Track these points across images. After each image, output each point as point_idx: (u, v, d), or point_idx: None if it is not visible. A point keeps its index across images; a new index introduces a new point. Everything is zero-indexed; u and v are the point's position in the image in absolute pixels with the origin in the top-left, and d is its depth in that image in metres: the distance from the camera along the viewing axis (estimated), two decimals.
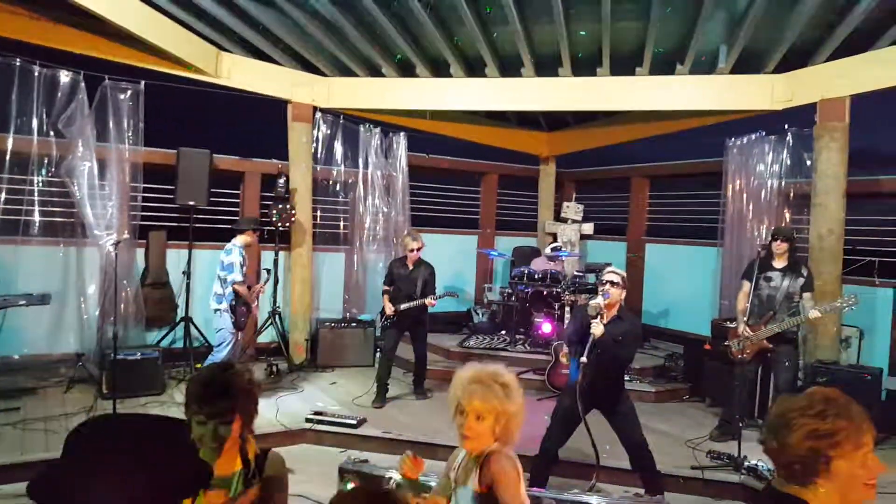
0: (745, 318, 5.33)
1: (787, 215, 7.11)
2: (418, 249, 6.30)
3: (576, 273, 8.33)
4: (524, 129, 9.69)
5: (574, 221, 9.64)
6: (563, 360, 6.52)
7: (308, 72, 7.50)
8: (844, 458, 1.52)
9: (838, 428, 1.52)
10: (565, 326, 6.16)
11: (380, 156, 8.43)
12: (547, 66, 7.17)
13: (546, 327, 7.59)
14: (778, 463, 1.60)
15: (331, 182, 8.19)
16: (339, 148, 8.08)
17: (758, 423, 5.63)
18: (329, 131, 7.97)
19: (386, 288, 6.51)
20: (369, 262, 8.40)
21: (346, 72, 7.55)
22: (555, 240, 9.43)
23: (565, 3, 5.79)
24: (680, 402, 6.72)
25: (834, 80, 6.12)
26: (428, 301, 6.21)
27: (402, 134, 8.53)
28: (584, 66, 7.08)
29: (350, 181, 8.30)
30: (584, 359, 3.97)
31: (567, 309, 7.51)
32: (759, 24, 5.74)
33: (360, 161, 8.27)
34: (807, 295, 5.19)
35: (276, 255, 7.44)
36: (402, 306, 6.21)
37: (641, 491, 4.25)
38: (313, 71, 7.52)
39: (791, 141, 6.96)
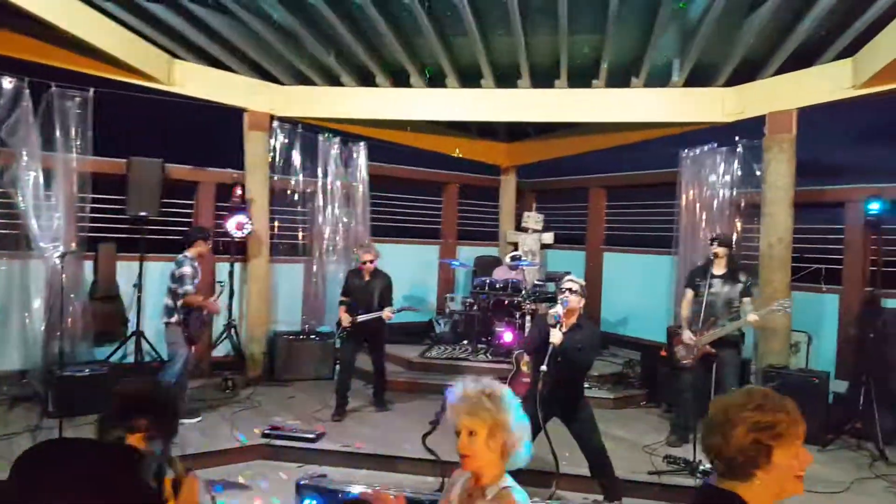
0: (689, 325, 5.49)
1: (739, 224, 7.30)
2: (371, 261, 6.21)
3: (536, 282, 8.39)
4: (485, 140, 9.75)
5: (534, 231, 9.72)
6: (524, 368, 6.52)
7: (265, 80, 7.41)
8: (783, 448, 1.60)
9: (778, 419, 1.61)
10: (525, 335, 6.18)
11: (339, 165, 8.35)
12: (506, 78, 7.25)
13: (507, 336, 7.61)
14: (720, 459, 1.65)
15: (289, 192, 8.06)
16: (297, 157, 7.97)
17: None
18: (287, 140, 7.86)
19: (343, 299, 6.40)
20: (329, 273, 8.28)
21: (304, 80, 7.49)
22: (516, 249, 9.49)
23: (523, 16, 5.87)
24: (637, 407, 6.81)
25: (781, 94, 6.34)
26: (385, 315, 6.15)
27: (362, 143, 8.47)
28: (543, 78, 7.18)
29: (309, 191, 8.20)
30: (544, 367, 4.00)
31: (528, 318, 7.55)
32: (711, 39, 5.92)
33: (319, 170, 8.17)
34: (746, 300, 5.37)
35: (232, 266, 7.28)
36: (360, 318, 6.12)
37: (600, 497, 4.28)
38: (270, 79, 7.43)
39: (742, 152, 7.15)
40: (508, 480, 2.07)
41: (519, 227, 9.93)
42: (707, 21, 5.56)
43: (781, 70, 6.30)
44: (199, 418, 5.78)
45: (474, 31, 6.07)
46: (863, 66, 5.53)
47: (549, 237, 9.77)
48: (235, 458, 5.18)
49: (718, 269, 5.50)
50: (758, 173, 6.77)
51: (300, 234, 8.30)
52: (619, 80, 7.06)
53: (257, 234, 7.36)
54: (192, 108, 7.12)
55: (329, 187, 8.26)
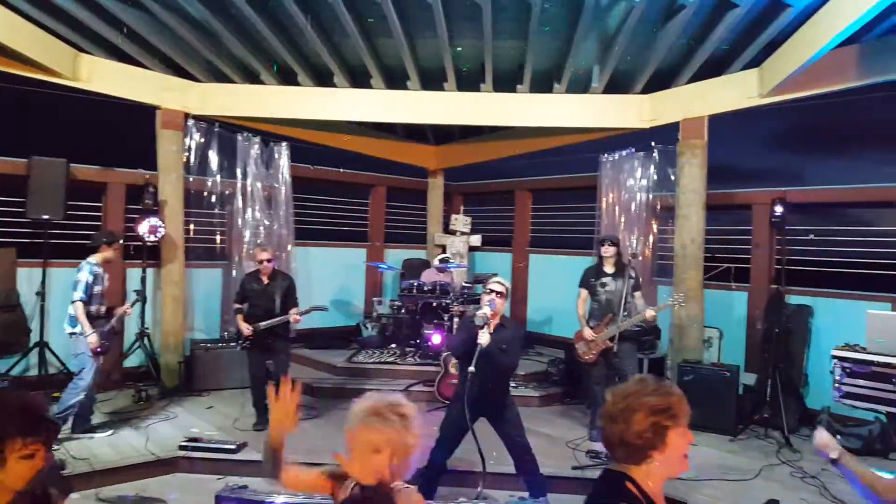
0: (587, 322, 5.73)
1: (655, 226, 7.60)
2: (269, 260, 5.84)
3: (464, 284, 8.43)
4: (412, 142, 9.73)
5: (462, 233, 9.78)
6: (453, 370, 6.55)
7: (180, 77, 7.10)
8: (675, 428, 1.75)
9: (671, 402, 1.76)
10: (452, 337, 6.19)
11: (260, 166, 8.08)
12: (433, 80, 7.25)
13: (436, 338, 7.60)
14: (620, 444, 1.76)
15: (205, 193, 7.74)
16: (214, 157, 7.65)
17: None
18: (203, 139, 7.54)
19: (238, 306, 5.96)
20: None
21: (222, 78, 7.22)
22: (444, 252, 9.52)
23: (448, 20, 5.89)
24: (562, 404, 6.96)
25: (694, 101, 6.63)
26: (293, 318, 5.81)
27: (284, 144, 8.24)
28: (468, 82, 7.23)
29: (227, 193, 7.90)
30: (471, 368, 4.02)
31: (456, 320, 7.57)
32: (628, 48, 6.12)
33: (239, 171, 7.88)
34: (637, 294, 5.64)
35: (144, 272, 6.94)
36: (262, 325, 5.74)
37: (526, 494, 4.33)
38: (186, 76, 7.12)
39: (657, 157, 7.45)
40: (399, 483, 2.04)
41: (447, 230, 9.97)
42: (624, 30, 5.75)
43: (694, 79, 6.59)
44: (109, 432, 5.45)
45: (399, 32, 6.04)
46: (768, 76, 5.86)
47: (476, 239, 9.87)
48: (150, 473, 4.95)
49: (609, 267, 5.78)
50: (672, 177, 7.06)
51: (218, 238, 8.00)
52: (543, 85, 7.20)
53: (171, 237, 7.01)
54: (100, 106, 6.73)
55: (249, 189, 7.98)
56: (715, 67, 6.39)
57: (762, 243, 6.97)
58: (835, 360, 4.18)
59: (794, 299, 6.53)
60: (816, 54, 4.82)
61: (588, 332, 5.70)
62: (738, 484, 4.77)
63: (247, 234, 8.01)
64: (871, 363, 4.00)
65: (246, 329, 5.73)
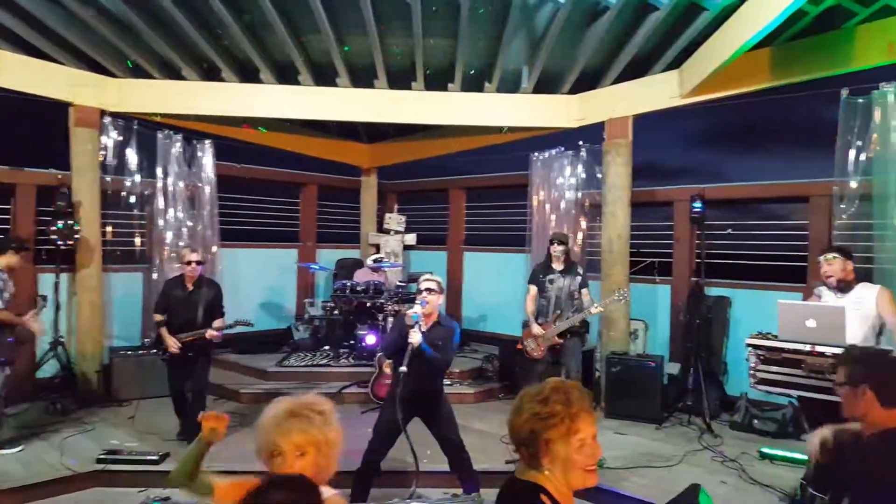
0: (536, 319, 5.80)
1: (584, 223, 7.78)
2: (198, 263, 5.41)
3: (398, 283, 8.39)
4: (344, 140, 9.60)
5: (397, 232, 9.73)
6: (387, 370, 6.47)
7: (95, 72, 6.74)
8: (559, 441, 1.67)
9: (554, 412, 1.67)
10: (384, 337, 6.14)
11: (182, 165, 7.73)
12: (363, 78, 7.17)
13: (370, 339, 7.54)
14: (513, 445, 1.74)
15: (124, 194, 7.36)
16: (133, 156, 7.28)
17: None
18: (121, 138, 7.16)
19: (160, 317, 5.44)
20: None
21: (141, 73, 6.92)
22: (378, 251, 9.45)
23: (377, 17, 5.84)
24: (497, 400, 7.03)
25: (618, 102, 6.82)
26: (209, 334, 5.31)
27: (207, 141, 7.93)
28: (400, 80, 7.19)
29: (147, 193, 7.55)
30: (403, 368, 3.98)
31: (391, 319, 7.52)
32: (555, 49, 6.25)
33: (159, 170, 7.53)
34: (584, 291, 5.78)
35: (58, 277, 6.55)
36: (185, 338, 5.31)
37: (460, 491, 4.34)
38: (102, 71, 6.78)
39: (585, 156, 7.62)
40: (326, 491, 1.98)
41: (381, 229, 9.90)
42: (551, 31, 5.86)
43: (619, 80, 6.78)
44: (19, 447, 5.13)
45: (327, 28, 5.95)
46: (687, 77, 6.09)
47: (411, 238, 9.84)
48: (66, 489, 4.68)
49: (558, 265, 5.87)
50: (599, 175, 7.24)
51: (138, 241, 7.64)
52: (474, 84, 7.25)
53: (87, 240, 6.65)
54: (8, 103, 6.29)
55: (171, 189, 7.64)
56: (638, 69, 6.59)
57: (683, 238, 7.25)
58: (749, 348, 4.37)
59: (713, 291, 6.83)
60: (731, 56, 5.04)
61: (537, 329, 5.77)
62: (664, 470, 4.95)
63: (169, 235, 7.66)
64: (782, 350, 4.20)
65: (174, 344, 5.28)
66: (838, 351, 3.93)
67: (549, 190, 8.00)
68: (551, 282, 5.85)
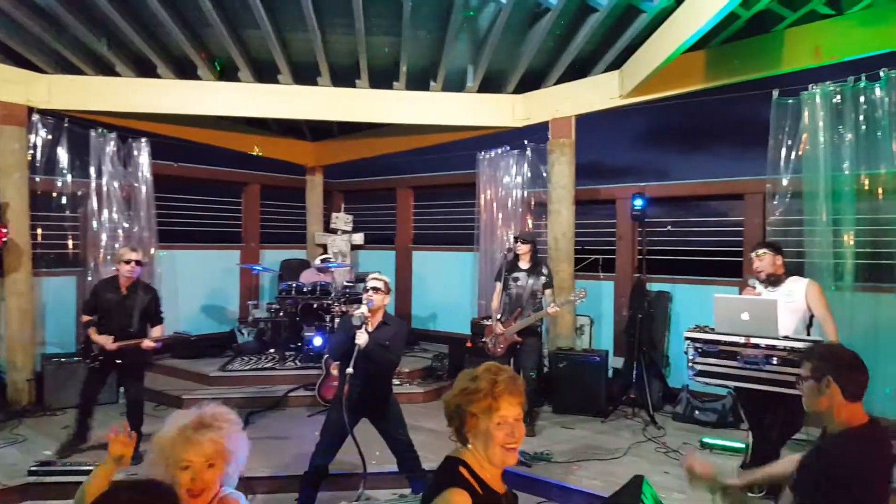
0: (499, 316, 5.79)
1: (530, 221, 7.88)
2: (138, 263, 5.07)
3: (346, 283, 8.30)
4: (288, 138, 9.43)
5: (344, 232, 9.63)
6: (334, 372, 6.41)
7: (21, 68, 6.41)
8: (481, 416, 1.81)
9: (479, 388, 1.82)
10: (331, 339, 6.06)
11: (117, 164, 7.42)
12: (305, 75, 7.05)
13: (317, 341, 7.44)
14: (446, 419, 1.90)
15: (55, 195, 7.02)
16: (64, 155, 6.96)
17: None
18: (51, 136, 6.83)
19: (88, 318, 5.12)
20: None
21: (71, 69, 6.62)
22: (325, 251, 9.32)
23: (319, 14, 5.75)
24: None
25: (562, 102, 6.93)
26: (145, 344, 5.02)
27: (143, 140, 7.64)
28: (344, 77, 7.10)
29: (80, 193, 7.22)
30: (350, 369, 3.93)
31: (338, 320, 7.43)
32: (498, 48, 6.29)
33: (93, 170, 7.21)
34: (547, 291, 5.82)
35: None
36: (122, 344, 4.98)
37: (408, 491, 4.32)
38: (29, 67, 6.45)
39: (530, 155, 7.72)
40: (225, 489, 2.00)
41: (328, 229, 9.77)
42: (494, 31, 5.89)
43: (562, 80, 6.88)
44: None
45: (267, 24, 5.82)
46: (627, 78, 6.23)
47: (359, 238, 9.75)
48: None
49: (524, 263, 5.90)
50: (544, 174, 7.34)
51: (70, 243, 7.29)
52: (419, 83, 7.23)
53: (15, 243, 6.32)
54: None
55: (105, 189, 7.33)
56: (581, 69, 6.70)
57: (625, 235, 7.43)
58: (687, 341, 4.51)
59: (654, 286, 7.01)
60: (668, 58, 5.17)
61: (498, 327, 5.78)
62: (609, 463, 5.05)
63: (103, 237, 7.35)
64: (719, 342, 4.35)
65: (111, 344, 4.90)
66: (772, 342, 4.11)
67: (496, 188, 8.06)
68: (515, 280, 5.86)
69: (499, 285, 5.96)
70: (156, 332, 5.20)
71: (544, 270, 5.89)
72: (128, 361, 5.07)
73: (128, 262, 5.03)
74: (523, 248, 5.87)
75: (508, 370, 1.90)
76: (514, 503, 1.97)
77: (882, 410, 5.36)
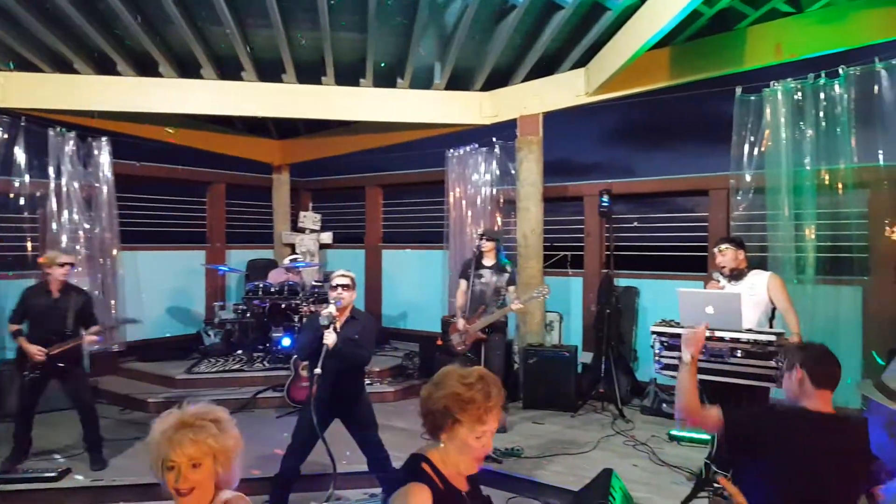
0: (464, 313, 5.81)
1: (499, 219, 7.90)
2: (71, 265, 5.00)
3: (314, 283, 8.21)
4: (253, 137, 9.29)
5: (312, 231, 9.53)
6: (303, 373, 6.36)
7: None
8: (465, 425, 1.83)
9: (474, 399, 1.83)
10: (298, 339, 5.98)
11: (77, 164, 7.21)
12: (270, 71, 6.95)
13: (286, 341, 7.36)
14: (422, 412, 1.90)
15: (12, 196, 6.80)
16: (21, 155, 6.74)
17: None
18: (7, 135, 6.60)
19: (15, 327, 4.90)
20: None
21: (28, 66, 6.42)
22: (293, 251, 9.21)
23: (283, 9, 5.67)
24: (417, 397, 6.98)
25: (529, 99, 6.95)
26: (88, 339, 4.95)
27: (104, 139, 7.44)
28: (309, 74, 7.01)
29: (39, 194, 7.01)
30: (317, 370, 3.88)
31: (306, 321, 7.35)
32: (465, 46, 6.28)
33: (51, 170, 7.01)
34: (511, 288, 5.84)
35: None
36: (57, 350, 4.81)
37: (379, 490, 4.30)
38: None
39: (499, 152, 7.74)
40: (226, 493, 1.96)
41: (295, 228, 9.66)
42: (461, 28, 5.88)
43: (529, 77, 6.90)
44: None
45: (230, 20, 5.72)
46: (593, 76, 6.28)
47: (327, 237, 9.66)
48: None
49: (488, 260, 5.90)
50: (513, 171, 7.36)
51: (29, 245, 7.06)
52: (386, 80, 7.18)
53: None
54: None
55: (64, 189, 7.12)
56: (547, 67, 6.73)
57: (593, 232, 7.50)
58: (653, 336, 4.56)
59: (622, 282, 7.10)
60: (633, 56, 5.22)
61: (462, 324, 5.78)
62: (578, 457, 5.09)
63: (64, 239, 7.15)
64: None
65: (39, 353, 4.72)
66: (736, 335, 4.17)
67: (465, 186, 8.06)
68: (479, 276, 5.87)
69: (464, 283, 5.96)
70: (95, 328, 5.08)
71: (508, 268, 5.91)
72: (68, 365, 4.92)
73: (62, 266, 4.93)
74: (488, 246, 5.89)
75: (498, 382, 1.91)
76: (479, 499, 1.96)
77: (844, 400, 5.51)
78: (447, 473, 1.83)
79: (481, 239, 5.94)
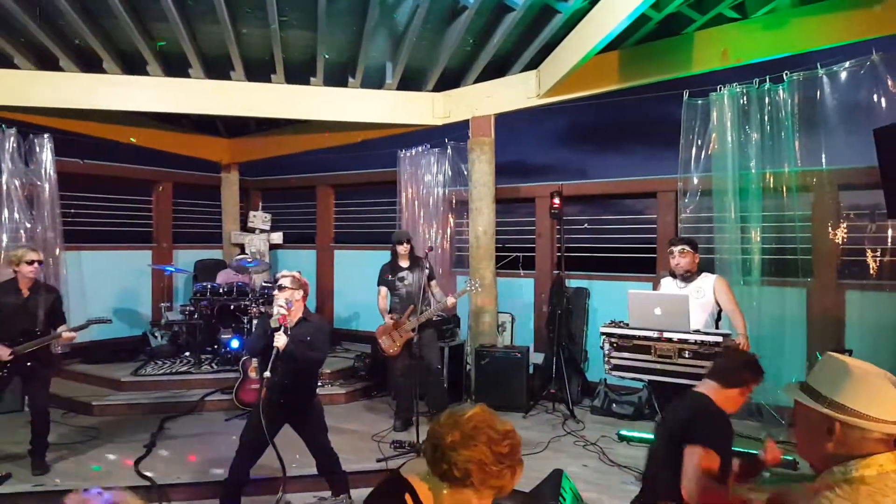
0: (390, 316, 5.87)
1: (452, 220, 7.90)
2: (39, 263, 4.90)
3: (264, 283, 8.06)
4: (201, 135, 9.05)
5: (262, 231, 9.36)
6: (253, 374, 6.26)
7: None
8: (478, 492, 1.67)
9: (500, 475, 1.67)
10: (250, 338, 5.87)
11: (18, 161, 6.97)
12: (218, 69, 6.79)
13: (235, 343, 7.23)
14: (431, 449, 1.68)
15: None
16: None
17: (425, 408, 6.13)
18: None
19: None
20: None
21: None
22: (242, 251, 9.03)
23: (230, 5, 5.54)
24: (369, 399, 6.97)
25: (481, 100, 6.96)
26: (66, 336, 4.90)
27: (46, 136, 7.18)
28: (258, 72, 6.88)
29: None
30: (267, 373, 3.82)
31: (255, 322, 7.21)
32: (416, 46, 6.25)
33: None
34: (433, 283, 5.92)
35: None
36: (27, 347, 4.73)
37: (328, 493, 4.24)
38: None
39: (451, 153, 7.74)
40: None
41: (245, 228, 9.46)
42: (412, 28, 5.85)
43: (481, 78, 6.91)
44: None
45: (175, 16, 5.56)
46: (545, 78, 6.34)
47: (277, 237, 9.49)
48: None
49: (404, 261, 5.97)
50: (465, 172, 7.38)
51: None
52: (337, 79, 7.09)
53: None
54: None
55: (5, 187, 6.86)
56: (499, 68, 6.76)
57: (544, 233, 7.57)
58: (603, 336, 4.63)
59: (573, 283, 7.19)
60: (583, 58, 5.28)
61: (388, 322, 5.81)
62: (529, 458, 5.11)
63: (4, 238, 6.90)
64: (633, 337, 4.49)
65: (4, 353, 4.64)
66: (684, 336, 4.28)
67: (417, 186, 8.04)
68: (401, 279, 5.93)
69: (383, 289, 6.02)
70: (64, 327, 4.99)
71: (426, 264, 5.96)
72: (38, 365, 4.85)
73: (30, 263, 4.84)
74: (404, 249, 5.92)
75: (518, 453, 1.74)
76: None
77: (789, 400, 5.71)
78: None
79: (399, 243, 5.99)
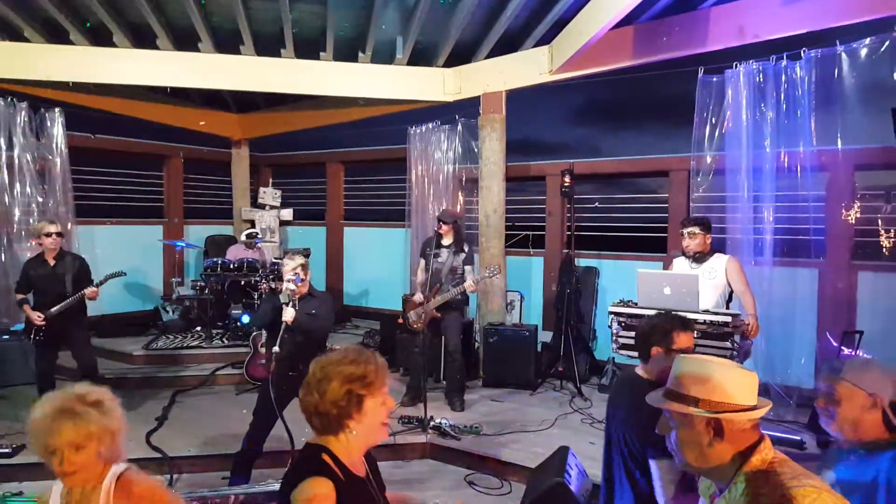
0: (424, 290, 5.83)
1: (461, 197, 7.88)
2: (58, 234, 5.27)
3: (274, 259, 8.10)
4: (211, 110, 9.04)
5: (272, 207, 9.38)
6: (262, 350, 6.31)
7: None
8: (372, 396, 1.80)
9: (368, 371, 1.80)
10: (256, 312, 5.92)
11: (29, 136, 7.01)
12: (227, 43, 6.74)
13: (245, 318, 7.29)
14: (316, 415, 1.80)
15: None
16: None
17: (442, 384, 6.16)
18: None
19: (21, 296, 5.32)
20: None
21: None
22: (253, 227, 9.07)
23: None
24: None
25: (493, 76, 6.88)
26: (89, 293, 5.23)
27: (57, 110, 7.21)
28: (268, 46, 6.83)
29: None
30: (276, 348, 3.94)
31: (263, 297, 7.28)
32: (428, 20, 6.17)
33: (2, 142, 6.80)
34: (467, 268, 5.87)
35: None
36: (55, 310, 5.15)
37: None
38: None
39: (461, 130, 7.68)
40: (119, 466, 1.97)
41: (255, 204, 9.49)
42: (423, 1, 5.77)
43: (492, 54, 6.83)
44: None
45: None
46: (557, 54, 6.25)
47: (287, 213, 9.52)
48: None
49: (446, 240, 5.89)
50: (475, 150, 7.32)
51: None
52: (347, 54, 7.03)
53: None
54: None
55: (17, 161, 6.92)
56: (510, 44, 6.67)
57: (554, 212, 7.54)
58: (611, 316, 4.62)
59: (582, 262, 7.17)
60: (597, 34, 5.20)
61: (419, 298, 5.82)
62: (537, 434, 5.17)
63: (17, 213, 7.00)
64: (641, 317, 4.47)
65: (37, 318, 5.10)
66: (693, 316, 4.26)
67: (427, 164, 7.99)
68: (436, 256, 5.88)
69: (422, 261, 5.99)
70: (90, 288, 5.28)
71: (465, 248, 5.93)
72: (69, 325, 5.22)
73: (48, 235, 5.21)
74: (444, 228, 5.90)
75: (370, 350, 1.91)
76: (378, 480, 1.97)
77: (797, 380, 5.71)
78: (348, 462, 1.79)
79: (439, 221, 5.96)
